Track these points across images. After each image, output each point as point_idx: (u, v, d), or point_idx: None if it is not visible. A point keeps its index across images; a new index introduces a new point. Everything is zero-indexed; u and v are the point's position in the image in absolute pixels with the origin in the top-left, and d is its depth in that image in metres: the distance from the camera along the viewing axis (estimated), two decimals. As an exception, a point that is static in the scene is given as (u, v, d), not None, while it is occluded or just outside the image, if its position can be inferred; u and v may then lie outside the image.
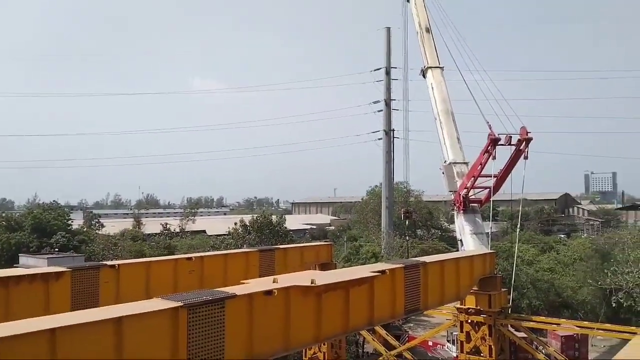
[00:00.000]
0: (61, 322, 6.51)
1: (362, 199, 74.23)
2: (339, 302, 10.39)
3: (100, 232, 58.51)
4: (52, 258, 37.01)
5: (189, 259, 14.73)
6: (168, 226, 62.03)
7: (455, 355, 24.77)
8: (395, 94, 53.04)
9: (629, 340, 11.79)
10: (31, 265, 34.45)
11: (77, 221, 61.35)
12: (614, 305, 32.94)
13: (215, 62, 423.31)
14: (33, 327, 6.26)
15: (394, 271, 12.04)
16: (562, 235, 69.69)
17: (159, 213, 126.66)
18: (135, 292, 12.07)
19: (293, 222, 73.63)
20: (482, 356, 18.00)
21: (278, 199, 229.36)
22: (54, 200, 58.88)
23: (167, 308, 7.48)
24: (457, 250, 25.78)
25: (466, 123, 31.57)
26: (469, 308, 18.25)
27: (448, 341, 31.25)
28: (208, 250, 38.12)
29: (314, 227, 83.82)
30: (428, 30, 30.05)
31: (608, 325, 18.42)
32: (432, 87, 28.27)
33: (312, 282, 9.72)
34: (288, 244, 34.41)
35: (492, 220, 26.65)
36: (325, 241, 33.66)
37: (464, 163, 25.96)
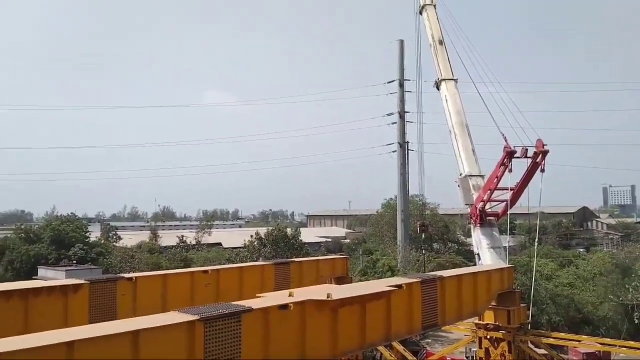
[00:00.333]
0: (79, 334, 6.55)
1: (377, 211, 73.92)
2: (356, 316, 10.30)
3: (117, 245, 58.97)
4: (70, 270, 37.38)
5: (205, 271, 14.74)
6: (184, 238, 62.32)
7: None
8: (409, 106, 53.04)
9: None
10: (50, 277, 34.80)
11: (94, 233, 61.99)
12: (636, 321, 32.28)
13: (228, 74, 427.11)
14: (51, 339, 6.30)
15: (411, 286, 11.92)
16: (581, 250, 68.65)
17: (175, 225, 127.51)
18: (152, 305, 12.11)
19: (308, 234, 73.58)
20: (501, 373, 17.72)
21: (293, 212, 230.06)
22: (71, 213, 59.62)
23: (183, 321, 7.48)
24: (475, 265, 25.52)
25: (481, 135, 31.48)
26: (487, 324, 18.00)
27: (467, 357, 30.81)
28: (224, 263, 38.20)
29: (329, 240, 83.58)
30: (441, 42, 30.05)
31: (631, 343, 18.00)
32: (446, 99, 28.21)
33: (328, 296, 9.65)
34: (303, 257, 34.35)
35: (509, 234, 26.33)
36: (340, 254, 33.55)
37: (480, 176, 25.78)
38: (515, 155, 22.46)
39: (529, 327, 19.06)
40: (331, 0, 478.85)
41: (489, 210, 24.41)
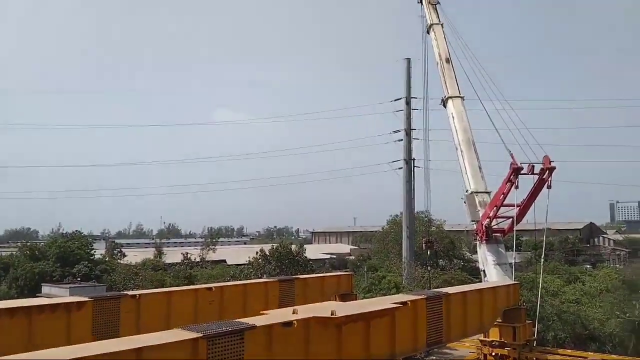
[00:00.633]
0: (82, 352, 6.54)
1: (382, 228, 73.64)
2: (360, 334, 10.24)
3: (122, 262, 58.90)
4: (74, 287, 37.34)
5: (209, 289, 14.73)
6: (189, 255, 62.20)
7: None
8: (416, 123, 53.26)
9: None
10: (53, 294, 34.75)
11: (99, 251, 61.96)
12: (643, 338, 31.90)
13: (231, 92, 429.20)
14: (55, 356, 6.30)
15: (416, 302, 11.86)
16: (588, 266, 68.10)
17: (179, 242, 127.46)
18: (155, 322, 12.08)
19: (313, 251, 73.28)
20: (508, 391, 17.52)
21: (298, 229, 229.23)
22: (76, 230, 59.72)
23: (186, 339, 7.47)
24: (480, 281, 25.36)
25: (487, 152, 31.48)
26: (493, 341, 17.84)
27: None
28: (228, 280, 38.07)
29: (334, 256, 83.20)
30: (448, 60, 30.25)
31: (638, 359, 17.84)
32: (453, 117, 28.29)
33: (332, 314, 9.61)
34: (308, 273, 34.19)
35: (515, 251, 26.18)
36: (345, 271, 33.37)
37: (486, 192, 25.76)
38: (521, 172, 22.45)
39: (535, 344, 18.89)
40: (337, 20, 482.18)
41: (495, 226, 24.33)
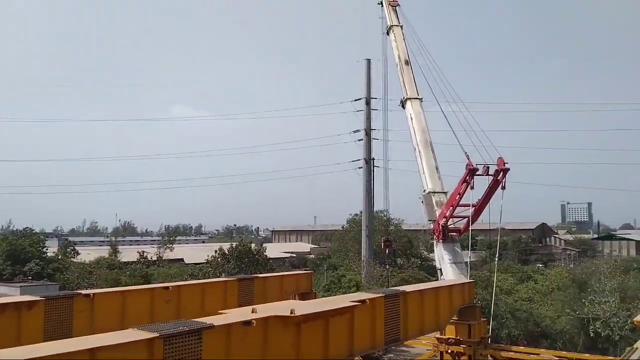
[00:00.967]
0: (33, 353, 6.34)
1: (342, 227, 74.14)
2: (319, 332, 10.27)
3: (75, 260, 57.32)
4: (25, 286, 36.19)
5: (166, 288, 14.48)
6: (145, 254, 60.99)
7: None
8: (376, 123, 53.82)
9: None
10: (3, 293, 33.56)
11: (52, 248, 60.16)
12: (591, 334, 33.09)
13: (192, 89, 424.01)
14: (8, 357, 6.10)
15: (374, 301, 11.98)
16: (540, 265, 70.22)
17: (135, 241, 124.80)
18: (110, 322, 11.80)
19: (273, 250, 73.06)
20: (462, 387, 17.88)
21: (258, 227, 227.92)
22: (27, 227, 57.80)
23: (142, 339, 7.32)
24: (437, 279, 25.81)
25: (444, 153, 32.09)
26: (449, 338, 18.18)
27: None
28: (186, 279, 37.57)
29: (294, 255, 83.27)
30: (407, 62, 30.65)
31: (587, 355, 18.53)
32: (411, 118, 28.68)
33: (291, 312, 9.61)
34: (268, 272, 34.08)
35: (470, 250, 26.77)
36: (305, 270, 33.44)
37: (443, 192, 26.23)
38: (477, 173, 22.96)
39: (489, 341, 19.34)
40: (299, 18, 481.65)
41: (451, 226, 24.81)
